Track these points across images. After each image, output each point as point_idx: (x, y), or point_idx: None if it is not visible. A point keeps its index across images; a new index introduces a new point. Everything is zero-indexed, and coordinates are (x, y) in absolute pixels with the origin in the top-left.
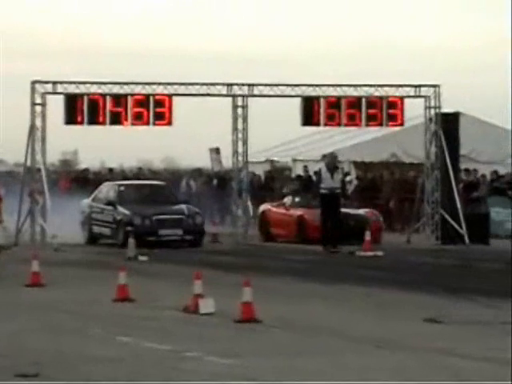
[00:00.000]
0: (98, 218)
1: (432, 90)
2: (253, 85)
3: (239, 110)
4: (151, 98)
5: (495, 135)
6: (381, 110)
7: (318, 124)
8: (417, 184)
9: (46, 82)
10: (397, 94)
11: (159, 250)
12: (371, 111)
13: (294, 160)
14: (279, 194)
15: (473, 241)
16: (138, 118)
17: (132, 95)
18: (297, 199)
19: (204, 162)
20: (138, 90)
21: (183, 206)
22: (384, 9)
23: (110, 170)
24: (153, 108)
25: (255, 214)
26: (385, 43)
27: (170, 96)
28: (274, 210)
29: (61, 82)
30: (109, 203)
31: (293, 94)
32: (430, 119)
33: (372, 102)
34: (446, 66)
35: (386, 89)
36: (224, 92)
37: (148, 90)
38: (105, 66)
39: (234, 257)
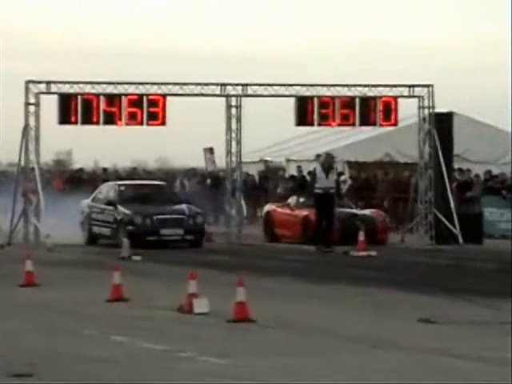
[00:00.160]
0: (98, 218)
1: (426, 89)
2: (247, 85)
3: (233, 110)
4: (145, 98)
5: (489, 135)
6: (374, 109)
7: (311, 124)
8: (410, 184)
9: (40, 82)
10: (391, 94)
11: (153, 249)
12: (365, 111)
13: (288, 160)
14: (273, 193)
15: (466, 241)
16: (132, 118)
17: (126, 95)
18: (302, 199)
19: (198, 161)
20: (131, 89)
21: (184, 206)
22: (378, 10)
23: (105, 169)
24: (147, 108)
25: (248, 213)
26: (378, 44)
27: (163, 96)
28: (279, 210)
29: (55, 82)
30: (109, 203)
31: (287, 93)
32: (424, 119)
33: (366, 102)
34: (440, 67)
35: (380, 89)
36: (218, 92)
37: (142, 89)
38: (99, 66)
39: (227, 256)
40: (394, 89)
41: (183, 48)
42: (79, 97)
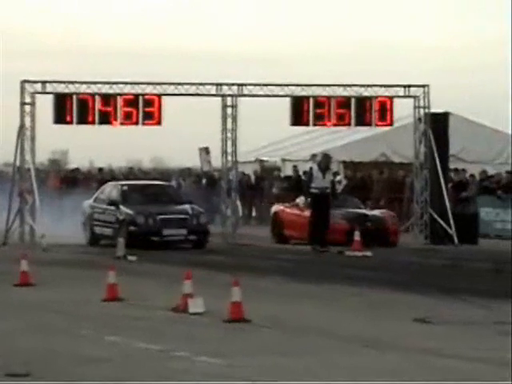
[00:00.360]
0: (100, 219)
1: (421, 90)
2: (242, 84)
3: (229, 110)
4: (140, 98)
5: (484, 135)
6: (370, 109)
7: (307, 124)
8: (406, 184)
9: (36, 82)
10: (386, 94)
11: (155, 250)
12: (360, 111)
13: (284, 160)
14: (269, 193)
15: (462, 240)
16: (128, 118)
17: (121, 95)
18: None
19: (193, 161)
20: (127, 89)
21: (187, 206)
22: (373, 10)
23: (100, 169)
24: (142, 108)
25: (244, 213)
26: (374, 44)
27: (159, 96)
28: (288, 210)
29: (50, 82)
30: (111, 203)
31: (282, 93)
32: (420, 119)
33: (361, 102)
34: (436, 67)
35: (376, 89)
36: (213, 92)
37: (137, 89)
38: (94, 66)
39: (223, 256)
40: (389, 89)
41: (179, 48)
42: (75, 96)
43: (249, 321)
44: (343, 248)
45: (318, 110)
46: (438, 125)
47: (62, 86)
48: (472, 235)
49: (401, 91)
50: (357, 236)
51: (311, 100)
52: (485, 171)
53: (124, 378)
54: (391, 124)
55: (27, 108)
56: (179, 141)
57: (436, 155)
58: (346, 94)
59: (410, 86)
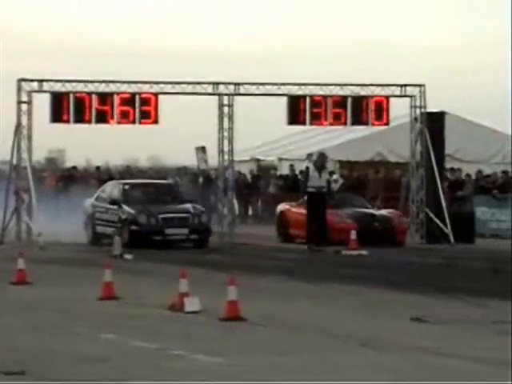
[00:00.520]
0: (102, 218)
1: (417, 89)
2: (239, 84)
3: (225, 109)
4: (137, 97)
5: (480, 135)
6: (366, 109)
7: (303, 123)
8: (402, 183)
9: (32, 81)
10: (382, 94)
11: (158, 250)
12: (357, 110)
13: (280, 159)
14: (265, 192)
15: (458, 240)
16: (124, 117)
17: (118, 94)
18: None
19: (190, 160)
20: (123, 88)
21: (189, 205)
22: (370, 11)
23: (97, 168)
24: (139, 106)
25: (240, 212)
26: (371, 44)
27: (155, 95)
28: (294, 210)
29: (47, 81)
30: (113, 202)
31: (279, 92)
32: (416, 118)
33: (358, 102)
34: (432, 67)
35: (372, 88)
36: (210, 91)
37: (134, 88)
38: (91, 65)
39: (219, 255)
40: (385, 88)
41: (176, 47)
42: (71, 95)
43: (245, 319)
44: (339, 247)
45: (315, 110)
46: (434, 124)
47: (59, 84)
48: (468, 234)
49: (397, 91)
50: (353, 235)
51: (308, 99)
52: (481, 171)
53: (120, 376)
54: (387, 123)
55: (24, 107)
56: (176, 139)
57: (432, 154)
58: (342, 93)
59: (406, 86)
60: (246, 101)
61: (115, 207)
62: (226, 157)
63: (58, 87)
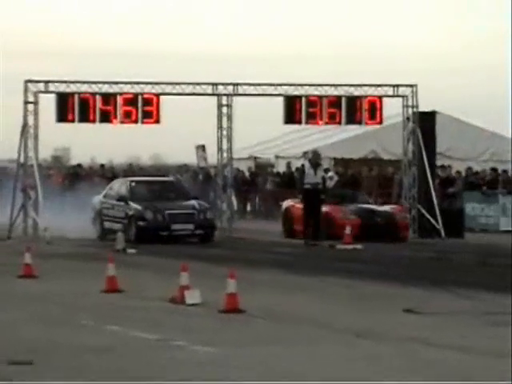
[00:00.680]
0: (110, 214)
1: (409, 89)
2: (237, 84)
3: (224, 109)
4: (140, 97)
5: (470, 133)
6: (360, 108)
7: (299, 122)
8: (395, 180)
9: (39, 82)
10: (376, 94)
11: (165, 245)
12: (351, 110)
13: (277, 157)
14: (262, 189)
15: (448, 234)
16: (127, 117)
17: (121, 94)
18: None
19: (190, 158)
20: (126, 89)
21: (194, 202)
22: (365, 14)
23: (102, 165)
24: (141, 107)
25: (239, 208)
26: (365, 45)
27: (157, 95)
28: (298, 206)
29: (53, 82)
30: (120, 199)
31: (275, 93)
32: (408, 118)
33: (352, 101)
34: (423, 68)
35: (366, 88)
36: (209, 91)
37: (136, 89)
38: (95, 67)
39: (219, 249)
40: (379, 88)
41: (177, 49)
42: (76, 96)
43: (243, 311)
44: (334, 242)
45: (310, 109)
46: (425, 123)
47: (64, 85)
48: (458, 229)
49: (390, 91)
50: (348, 230)
51: (303, 99)
52: (470, 168)
53: (123, 365)
54: (380, 122)
55: (30, 107)
56: (177, 138)
57: (424, 152)
58: (336, 93)
59: (398, 86)
60: (244, 101)
61: (122, 204)
62: (225, 155)
63: (63, 88)
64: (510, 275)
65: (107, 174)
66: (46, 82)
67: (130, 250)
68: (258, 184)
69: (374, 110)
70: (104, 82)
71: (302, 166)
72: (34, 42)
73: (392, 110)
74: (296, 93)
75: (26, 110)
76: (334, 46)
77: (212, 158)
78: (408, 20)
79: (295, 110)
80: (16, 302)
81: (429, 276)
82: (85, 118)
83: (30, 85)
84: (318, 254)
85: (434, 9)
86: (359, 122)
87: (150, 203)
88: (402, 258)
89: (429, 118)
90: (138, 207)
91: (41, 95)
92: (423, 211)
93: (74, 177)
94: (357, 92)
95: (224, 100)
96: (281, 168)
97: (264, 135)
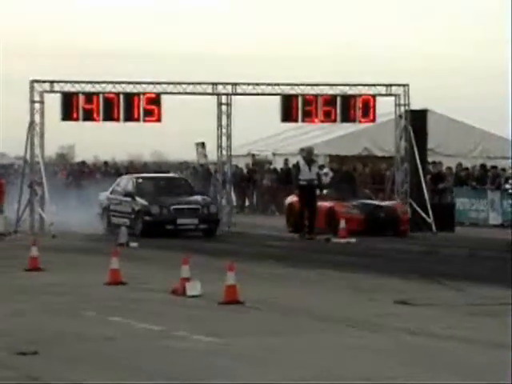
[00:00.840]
0: (117, 209)
1: (402, 88)
2: (236, 84)
3: (223, 108)
4: (142, 96)
5: (460, 131)
6: (354, 107)
7: (296, 120)
8: (388, 176)
9: (44, 82)
10: (369, 93)
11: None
12: (346, 108)
13: (274, 154)
14: (260, 185)
15: (439, 228)
16: (130, 115)
17: (124, 94)
18: (325, 191)
19: (190, 155)
20: (129, 88)
21: (199, 197)
22: (362, 15)
23: (105, 162)
24: (143, 105)
25: (238, 203)
26: (360, 46)
27: (158, 94)
28: None
29: (58, 82)
30: (127, 195)
31: (273, 92)
32: (400, 116)
33: (346, 100)
34: (416, 68)
35: (360, 87)
36: (209, 91)
37: (138, 88)
38: (99, 67)
39: (219, 243)
40: (372, 88)
41: (177, 50)
42: (80, 95)
43: (242, 303)
44: (329, 235)
45: (307, 108)
46: (417, 121)
47: (69, 85)
48: (449, 223)
49: (383, 90)
50: (342, 224)
51: (300, 98)
52: (460, 164)
53: (126, 355)
54: (374, 120)
55: (37, 106)
56: (177, 136)
57: (415, 149)
58: (332, 92)
59: (391, 85)
60: (242, 100)
61: (129, 199)
62: (224, 152)
63: (67, 88)
64: (510, 269)
65: (111, 170)
66: (52, 82)
67: (133, 244)
68: (256, 180)
69: (368, 109)
70: (107, 82)
71: (297, 163)
72: (38, 42)
73: (385, 108)
74: (292, 92)
75: (32, 109)
76: (328, 47)
77: (212, 155)
78: (402, 22)
79: (292, 108)
80: (23, 294)
81: (420, 268)
82: (89, 116)
83: (35, 85)
84: (313, 247)
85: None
86: (353, 120)
87: (156, 198)
88: (394, 251)
89: (420, 116)
90: (145, 202)
91: (46, 95)
92: (415, 206)
93: (78, 173)
94: (351, 91)
95: (223, 99)
96: (278, 165)
97: (262, 133)
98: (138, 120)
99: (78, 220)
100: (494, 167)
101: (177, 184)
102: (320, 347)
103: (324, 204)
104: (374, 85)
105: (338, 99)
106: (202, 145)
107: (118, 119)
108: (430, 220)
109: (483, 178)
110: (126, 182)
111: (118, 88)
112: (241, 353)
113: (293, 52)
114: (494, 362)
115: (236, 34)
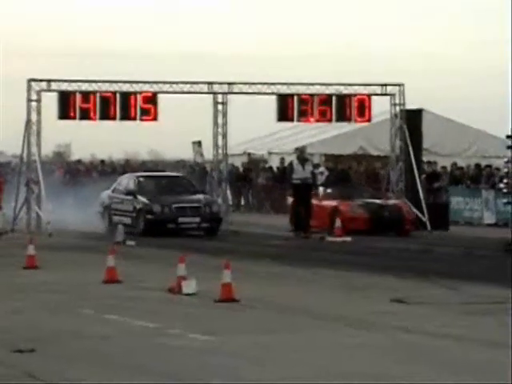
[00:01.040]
0: (118, 208)
1: (397, 88)
2: (232, 83)
3: (219, 107)
4: (138, 96)
5: (455, 130)
6: (350, 106)
7: (292, 120)
8: (383, 175)
9: (41, 80)
10: (365, 92)
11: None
12: (341, 108)
13: (270, 153)
14: (256, 183)
15: (434, 227)
16: (126, 114)
17: (120, 93)
18: (329, 190)
19: (187, 154)
20: (126, 87)
21: (200, 196)
22: (357, 17)
23: (102, 161)
24: (139, 104)
25: (233, 202)
26: (355, 46)
27: (155, 93)
28: None
29: (55, 81)
30: (129, 193)
31: (269, 91)
32: (395, 115)
33: (342, 100)
34: (411, 68)
35: (355, 87)
36: (205, 90)
37: (135, 87)
38: (95, 66)
39: (215, 241)
40: (367, 87)
41: (174, 49)
42: (77, 94)
43: (238, 301)
44: (324, 234)
45: (302, 107)
46: (412, 121)
47: (66, 84)
48: (443, 222)
49: (378, 89)
50: (338, 223)
51: (295, 98)
52: (455, 163)
53: (123, 352)
54: (369, 120)
55: (33, 104)
56: (174, 135)
57: (410, 149)
58: (327, 92)
59: (386, 85)
60: (238, 99)
61: (131, 198)
62: (220, 151)
63: (64, 86)
64: (510, 269)
65: (107, 169)
66: (48, 81)
67: (130, 242)
68: (252, 179)
69: (363, 108)
70: (104, 81)
71: (291, 162)
72: (37, 42)
73: (380, 107)
74: (288, 91)
75: (29, 108)
76: (328, 47)
77: (208, 153)
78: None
79: (288, 107)
80: (20, 292)
81: (415, 267)
82: (85, 115)
83: (32, 83)
84: (309, 245)
85: (421, 15)
86: (349, 120)
87: (158, 197)
88: (389, 249)
89: (415, 115)
90: (146, 201)
91: (43, 93)
92: (410, 205)
93: (74, 172)
94: (346, 91)
95: (219, 98)
96: (274, 163)
97: (258, 132)
98: (134, 119)
99: (75, 218)
100: (489, 166)
101: (178, 183)
102: (316, 345)
103: (328, 203)
104: (369, 84)
105: (334, 99)
106: (199, 143)
107: (114, 118)
108: (425, 219)
109: (478, 178)
110: (128, 181)
111: (115, 87)
112: (236, 351)
113: (292, 52)
114: (490, 361)
115: (235, 34)
